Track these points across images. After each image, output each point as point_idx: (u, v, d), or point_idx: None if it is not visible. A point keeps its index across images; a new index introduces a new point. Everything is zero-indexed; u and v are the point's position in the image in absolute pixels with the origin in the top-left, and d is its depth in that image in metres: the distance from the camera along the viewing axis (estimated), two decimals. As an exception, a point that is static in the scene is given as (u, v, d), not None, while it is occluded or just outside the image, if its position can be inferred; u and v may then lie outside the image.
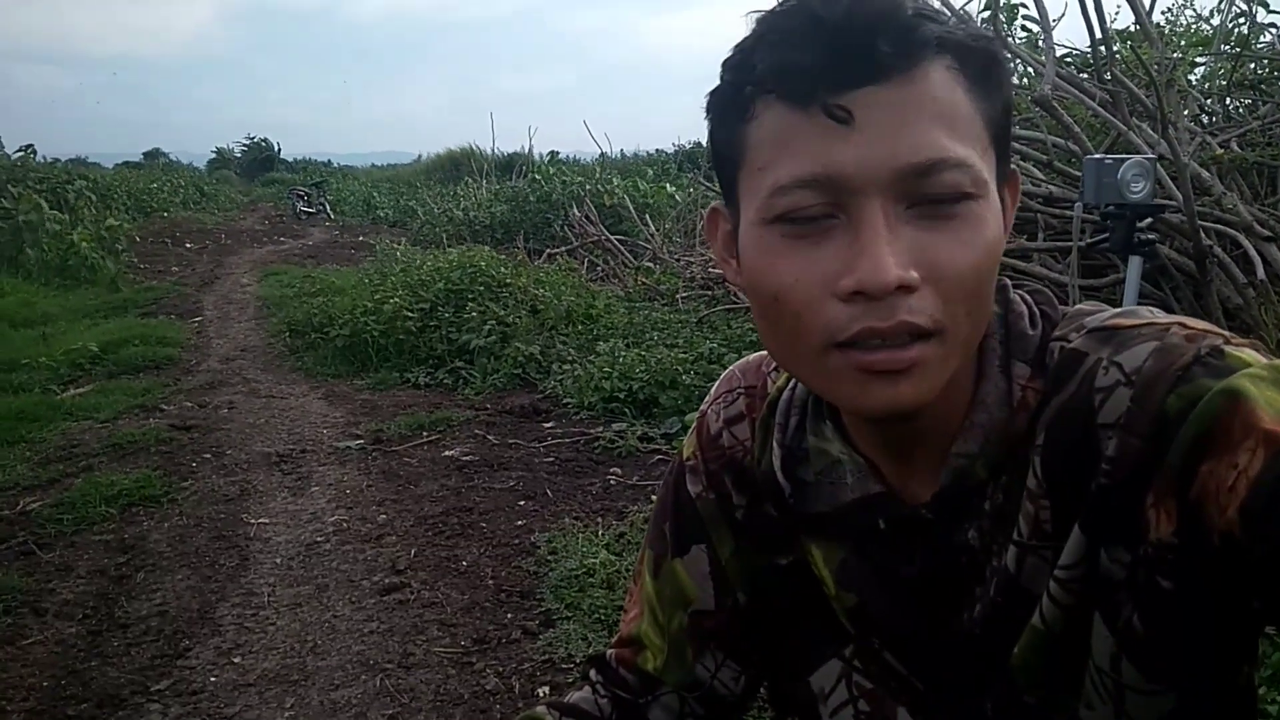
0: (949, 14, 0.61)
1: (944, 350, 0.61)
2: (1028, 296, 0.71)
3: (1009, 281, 0.71)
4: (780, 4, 0.61)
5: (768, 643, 0.84)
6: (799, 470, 0.76)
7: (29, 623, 3.02)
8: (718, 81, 0.65)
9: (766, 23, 0.61)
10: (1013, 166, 0.68)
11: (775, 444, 0.77)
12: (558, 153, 18.47)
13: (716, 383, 0.89)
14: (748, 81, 0.61)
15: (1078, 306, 0.71)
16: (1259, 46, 5.02)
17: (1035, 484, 0.65)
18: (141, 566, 3.44)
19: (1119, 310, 0.68)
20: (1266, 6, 4.98)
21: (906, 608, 0.72)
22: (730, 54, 0.63)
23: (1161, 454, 0.57)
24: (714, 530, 0.85)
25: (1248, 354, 0.59)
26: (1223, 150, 4.23)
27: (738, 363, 0.89)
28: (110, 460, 4.58)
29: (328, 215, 21.19)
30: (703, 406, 0.89)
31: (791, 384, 0.80)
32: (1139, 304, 3.33)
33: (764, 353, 0.86)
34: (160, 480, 4.26)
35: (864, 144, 0.57)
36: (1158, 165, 3.29)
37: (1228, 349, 0.59)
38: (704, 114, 0.67)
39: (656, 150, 22.46)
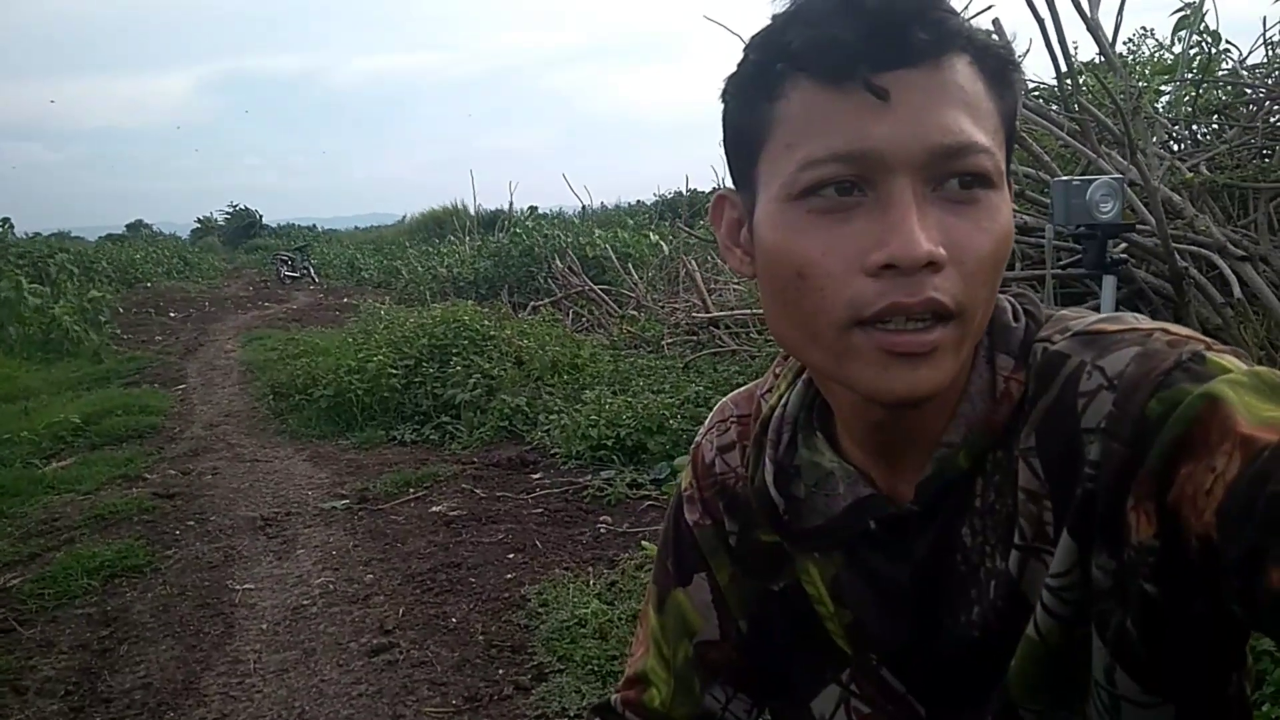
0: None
1: (960, 334, 0.61)
2: (1010, 297, 0.73)
3: None
4: None
5: (768, 670, 0.84)
6: (791, 487, 0.76)
7: (9, 702, 2.94)
8: (739, 64, 0.66)
9: (799, 4, 0.62)
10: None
11: (767, 460, 0.77)
12: (536, 208, 18.57)
13: (710, 414, 0.90)
14: (779, 58, 0.62)
15: (1062, 311, 0.71)
16: (1221, 73, 5.09)
17: (1038, 485, 0.64)
18: (125, 639, 3.37)
19: (1103, 315, 0.68)
20: (1217, 39, 5.06)
21: (901, 616, 0.72)
22: (757, 35, 0.64)
23: (1143, 458, 0.57)
24: (712, 557, 0.85)
25: (1228, 360, 0.59)
26: (1192, 174, 4.27)
27: (731, 394, 0.90)
28: (92, 532, 4.51)
29: (312, 279, 21.26)
30: (697, 437, 0.89)
31: (783, 402, 0.80)
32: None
33: (757, 383, 0.87)
34: (143, 550, 4.19)
35: (898, 122, 0.59)
36: (1127, 188, 3.32)
37: (1209, 354, 0.59)
38: (721, 99, 0.68)
39: (637, 201, 22.63)
